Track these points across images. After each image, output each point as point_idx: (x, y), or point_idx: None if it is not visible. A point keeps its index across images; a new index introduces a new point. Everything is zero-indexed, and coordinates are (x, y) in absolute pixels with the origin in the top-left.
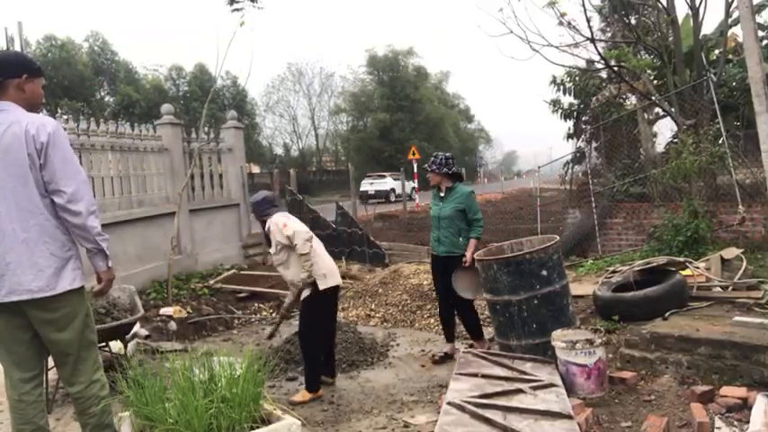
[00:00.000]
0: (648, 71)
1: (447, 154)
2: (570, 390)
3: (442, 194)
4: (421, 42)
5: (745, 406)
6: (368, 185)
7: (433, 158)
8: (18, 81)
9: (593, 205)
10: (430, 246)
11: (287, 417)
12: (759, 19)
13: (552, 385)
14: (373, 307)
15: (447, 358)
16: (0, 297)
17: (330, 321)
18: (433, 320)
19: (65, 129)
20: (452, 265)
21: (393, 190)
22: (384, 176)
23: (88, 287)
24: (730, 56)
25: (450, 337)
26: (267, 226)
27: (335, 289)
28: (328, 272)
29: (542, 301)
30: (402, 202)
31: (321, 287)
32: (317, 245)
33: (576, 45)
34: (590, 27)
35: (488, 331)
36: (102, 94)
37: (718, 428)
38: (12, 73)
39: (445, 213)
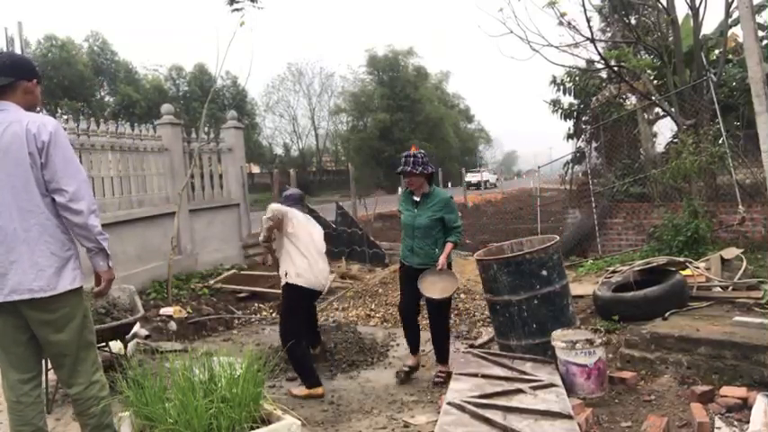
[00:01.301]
0: (648, 71)
1: (422, 151)
2: (570, 390)
3: (417, 199)
4: (421, 42)
5: (745, 406)
6: (470, 177)
7: (412, 158)
8: (29, 84)
9: (593, 205)
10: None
11: (287, 417)
12: (759, 19)
13: (552, 385)
14: (373, 307)
15: (412, 372)
16: (2, 297)
17: (305, 312)
18: None
19: (65, 129)
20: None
21: (488, 180)
22: (480, 171)
23: (87, 287)
24: (730, 56)
25: (415, 348)
26: None
27: (308, 292)
28: (302, 272)
29: (542, 301)
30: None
31: (289, 281)
32: (302, 244)
33: (576, 45)
34: (590, 27)
35: (488, 331)
36: (102, 94)
37: (718, 428)
38: (26, 75)
39: (421, 222)
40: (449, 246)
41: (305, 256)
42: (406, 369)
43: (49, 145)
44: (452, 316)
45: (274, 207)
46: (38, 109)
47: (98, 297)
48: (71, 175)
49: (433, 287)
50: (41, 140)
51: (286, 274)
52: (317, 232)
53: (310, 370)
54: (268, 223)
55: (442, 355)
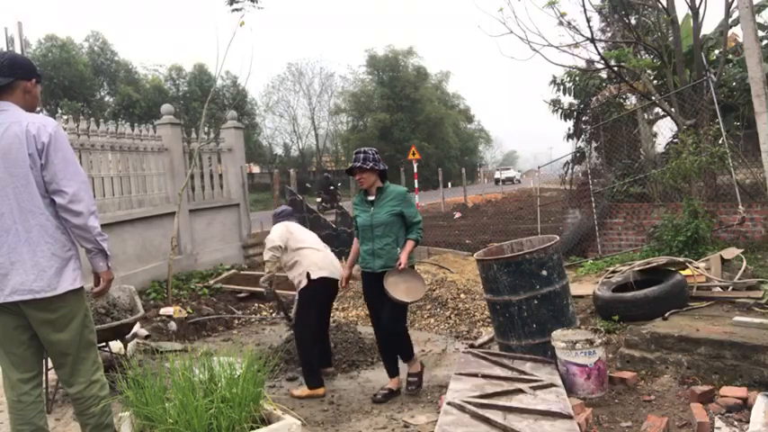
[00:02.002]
0: (648, 71)
1: (373, 148)
2: (570, 390)
3: (371, 198)
4: (421, 42)
5: (744, 406)
6: (498, 174)
7: (362, 154)
8: (28, 84)
9: (593, 205)
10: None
11: (287, 417)
12: (759, 19)
13: (552, 385)
14: None
15: (392, 395)
16: (3, 297)
17: (323, 315)
18: (432, 320)
19: (65, 129)
20: None
21: (514, 177)
22: (509, 169)
23: (87, 287)
24: (730, 56)
25: (393, 371)
26: None
27: (328, 282)
28: (321, 264)
29: (542, 301)
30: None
31: (313, 276)
32: (309, 242)
33: (576, 45)
34: (590, 27)
35: (488, 331)
36: (102, 94)
37: (718, 428)
38: (24, 75)
39: (379, 220)
40: (409, 243)
41: (318, 250)
42: (385, 392)
43: (49, 146)
44: (452, 316)
45: (274, 237)
46: (38, 109)
47: (97, 297)
48: (71, 176)
49: (396, 288)
50: (41, 142)
51: (308, 275)
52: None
53: (317, 371)
54: (273, 258)
55: (407, 354)
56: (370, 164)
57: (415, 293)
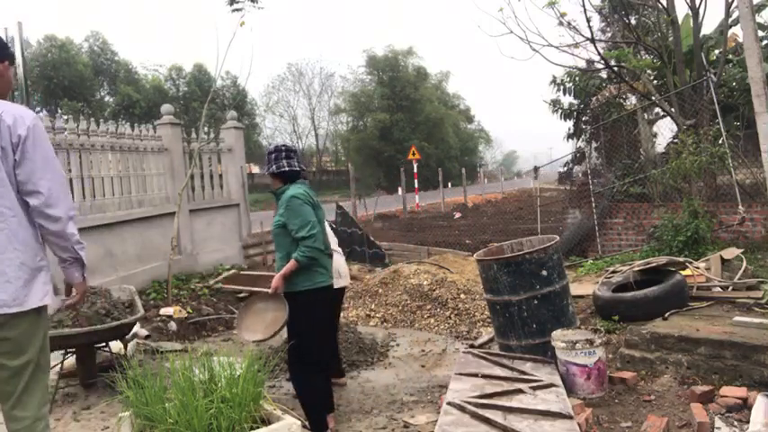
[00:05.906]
0: (648, 71)
1: (280, 144)
2: (570, 390)
3: None
4: (421, 42)
5: (744, 406)
6: (562, 169)
7: (273, 154)
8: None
9: (593, 205)
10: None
11: (287, 417)
12: (759, 19)
13: (552, 385)
14: (373, 307)
15: None
16: None
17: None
18: (432, 320)
19: (64, 129)
20: (290, 304)
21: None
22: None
23: (56, 303)
24: (730, 56)
25: (329, 407)
26: None
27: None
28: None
29: (542, 302)
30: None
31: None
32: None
33: (576, 45)
34: (590, 27)
35: (488, 331)
36: (102, 94)
37: (718, 428)
38: None
39: (272, 230)
40: (290, 264)
41: (340, 254)
42: None
43: (26, 141)
44: (452, 316)
45: None
46: (38, 110)
47: (70, 309)
48: (48, 176)
49: (259, 318)
50: (17, 134)
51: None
52: None
53: None
54: None
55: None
56: (266, 167)
57: (269, 329)
